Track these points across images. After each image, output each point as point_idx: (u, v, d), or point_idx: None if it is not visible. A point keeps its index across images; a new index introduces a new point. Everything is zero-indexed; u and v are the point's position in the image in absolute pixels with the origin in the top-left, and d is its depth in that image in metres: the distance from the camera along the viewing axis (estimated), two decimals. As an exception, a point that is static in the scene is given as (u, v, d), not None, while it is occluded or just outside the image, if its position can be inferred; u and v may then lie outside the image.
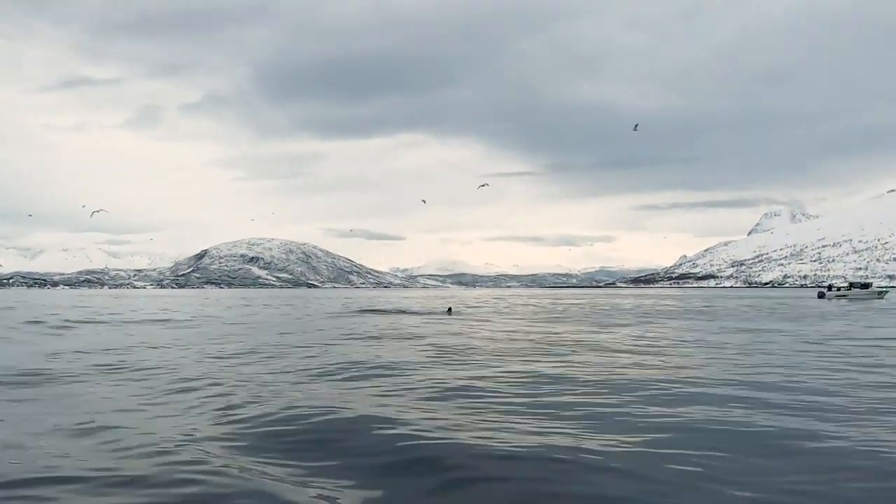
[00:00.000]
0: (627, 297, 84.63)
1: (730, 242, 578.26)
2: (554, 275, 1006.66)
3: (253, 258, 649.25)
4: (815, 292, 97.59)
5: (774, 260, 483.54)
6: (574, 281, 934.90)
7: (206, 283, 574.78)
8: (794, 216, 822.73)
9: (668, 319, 31.89)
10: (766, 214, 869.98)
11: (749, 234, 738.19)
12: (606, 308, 46.63)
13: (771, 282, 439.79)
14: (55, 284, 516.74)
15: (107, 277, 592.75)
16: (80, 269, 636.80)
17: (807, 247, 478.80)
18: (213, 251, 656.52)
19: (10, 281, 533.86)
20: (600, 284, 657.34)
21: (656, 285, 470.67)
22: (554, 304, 58.27)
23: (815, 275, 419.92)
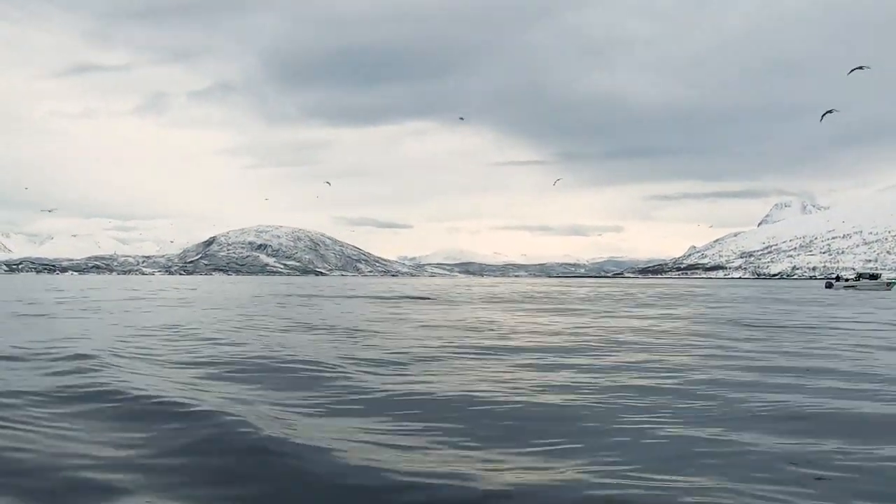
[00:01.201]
0: (610, 286, 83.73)
1: (739, 233, 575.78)
2: (562, 265, 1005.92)
3: (261, 245, 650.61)
4: (823, 283, 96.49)
5: (784, 251, 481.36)
6: (582, 271, 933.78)
7: (214, 269, 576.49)
8: (804, 207, 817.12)
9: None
10: (776, 205, 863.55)
11: (759, 224, 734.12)
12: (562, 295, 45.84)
13: (780, 273, 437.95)
14: (64, 270, 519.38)
15: (115, 264, 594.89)
16: (89, 255, 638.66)
17: (816, 238, 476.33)
18: (222, 238, 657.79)
19: (20, 266, 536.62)
20: (608, 275, 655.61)
21: (664, 276, 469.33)
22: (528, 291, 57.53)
23: (825, 266, 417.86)
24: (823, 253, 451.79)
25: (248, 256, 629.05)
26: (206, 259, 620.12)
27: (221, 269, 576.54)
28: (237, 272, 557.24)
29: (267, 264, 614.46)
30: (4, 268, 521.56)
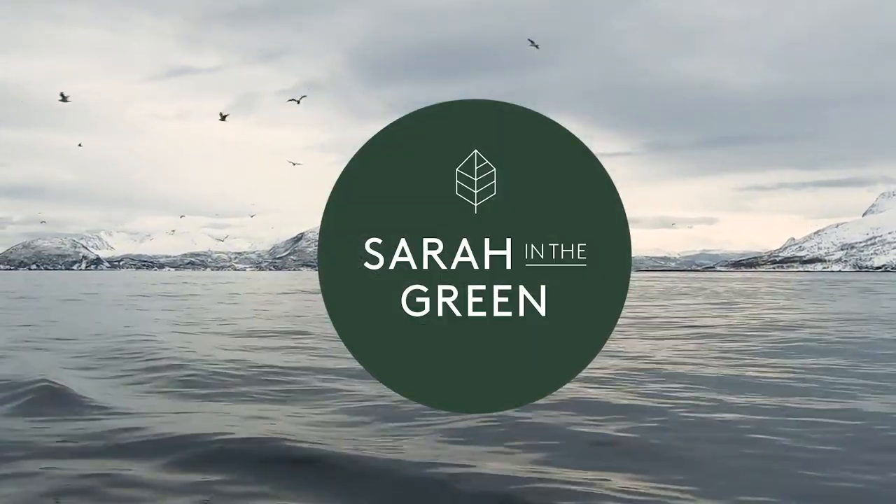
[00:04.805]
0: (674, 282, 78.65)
1: (841, 224, 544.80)
2: (651, 258, 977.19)
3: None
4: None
5: (889, 242, 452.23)
6: (673, 264, 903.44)
7: (303, 265, 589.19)
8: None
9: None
10: (883, 194, 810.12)
11: (864, 215, 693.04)
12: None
13: (884, 266, 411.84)
14: (161, 266, 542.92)
15: (209, 260, 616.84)
16: (185, 252, 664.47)
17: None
18: (310, 234, 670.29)
19: (121, 263, 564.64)
20: (699, 269, 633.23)
21: (758, 269, 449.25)
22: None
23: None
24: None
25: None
26: (294, 255, 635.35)
27: (309, 265, 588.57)
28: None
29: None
30: (107, 264, 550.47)
